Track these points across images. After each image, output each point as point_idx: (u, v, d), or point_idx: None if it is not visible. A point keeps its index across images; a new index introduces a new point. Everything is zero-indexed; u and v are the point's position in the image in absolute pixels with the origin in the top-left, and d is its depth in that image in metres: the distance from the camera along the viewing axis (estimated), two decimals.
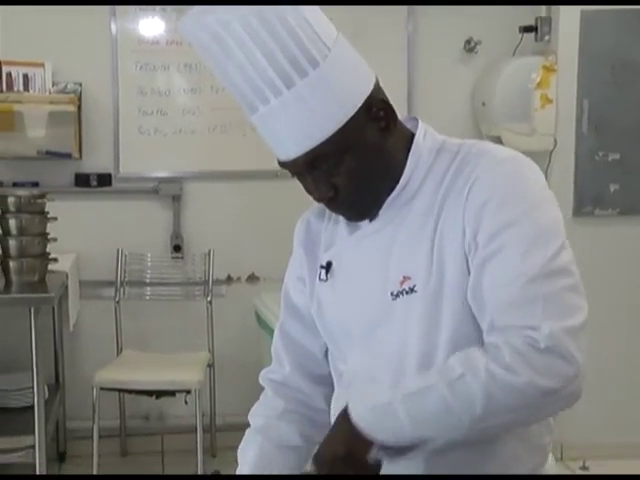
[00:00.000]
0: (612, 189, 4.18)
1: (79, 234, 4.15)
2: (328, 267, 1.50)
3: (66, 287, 3.80)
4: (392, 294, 1.39)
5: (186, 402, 3.92)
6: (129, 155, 4.27)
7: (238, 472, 1.54)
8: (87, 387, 3.83)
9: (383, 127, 1.37)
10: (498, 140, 3.98)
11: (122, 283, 4.25)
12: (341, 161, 1.35)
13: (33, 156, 4.05)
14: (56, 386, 4.11)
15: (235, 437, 1.61)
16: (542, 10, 4.21)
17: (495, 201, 1.32)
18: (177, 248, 4.32)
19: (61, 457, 4.20)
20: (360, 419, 1.27)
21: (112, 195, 4.26)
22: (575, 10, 4.06)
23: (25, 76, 4.06)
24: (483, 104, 4.27)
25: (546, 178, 1.42)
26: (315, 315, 1.54)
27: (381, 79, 1.40)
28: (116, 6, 4.16)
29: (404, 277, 1.38)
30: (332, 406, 1.53)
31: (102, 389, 3.82)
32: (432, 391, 1.25)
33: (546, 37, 4.18)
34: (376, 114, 1.36)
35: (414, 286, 1.37)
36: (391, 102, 1.39)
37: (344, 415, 1.30)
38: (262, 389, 1.64)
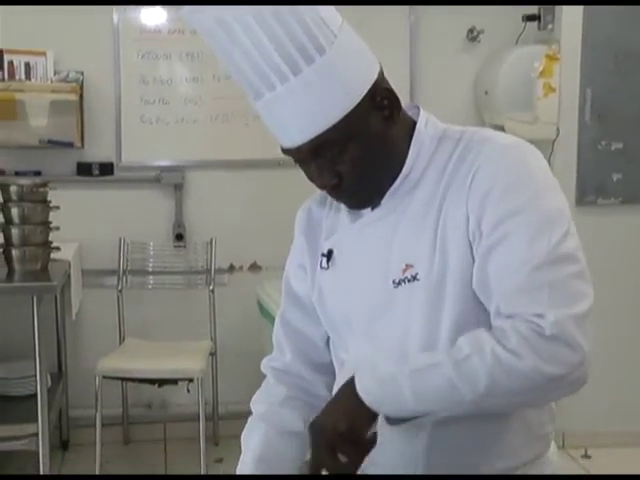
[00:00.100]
0: (615, 178, 4.18)
1: (81, 223, 4.15)
2: (329, 255, 1.50)
3: (68, 276, 3.81)
4: (394, 282, 1.39)
5: (188, 390, 3.93)
6: (131, 144, 4.26)
7: (242, 459, 1.54)
8: (90, 376, 3.84)
9: (387, 116, 1.37)
10: (501, 129, 3.97)
11: (124, 272, 4.26)
12: (345, 149, 1.34)
13: (35, 145, 4.05)
14: (59, 374, 4.13)
15: (238, 425, 1.61)
16: None
17: (499, 189, 1.31)
18: (179, 237, 4.32)
19: (64, 445, 4.22)
20: (366, 392, 1.28)
21: (114, 184, 4.26)
22: None
23: (27, 65, 4.06)
24: (486, 93, 4.27)
25: (549, 166, 1.42)
26: (316, 303, 1.54)
27: (383, 68, 1.40)
28: None
29: (406, 265, 1.38)
30: (333, 393, 1.53)
31: (105, 377, 3.83)
32: (438, 369, 1.26)
33: (549, 26, 4.17)
34: (380, 102, 1.36)
35: (416, 274, 1.37)
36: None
37: (348, 387, 1.30)
38: (264, 377, 1.64)
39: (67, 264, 3.80)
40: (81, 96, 4.10)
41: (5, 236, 3.64)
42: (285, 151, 1.38)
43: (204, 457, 3.81)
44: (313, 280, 1.53)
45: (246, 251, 4.38)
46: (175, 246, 4.33)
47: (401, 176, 1.41)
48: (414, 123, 1.43)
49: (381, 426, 1.31)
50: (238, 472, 1.52)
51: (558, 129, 4.10)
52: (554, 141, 4.07)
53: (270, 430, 1.55)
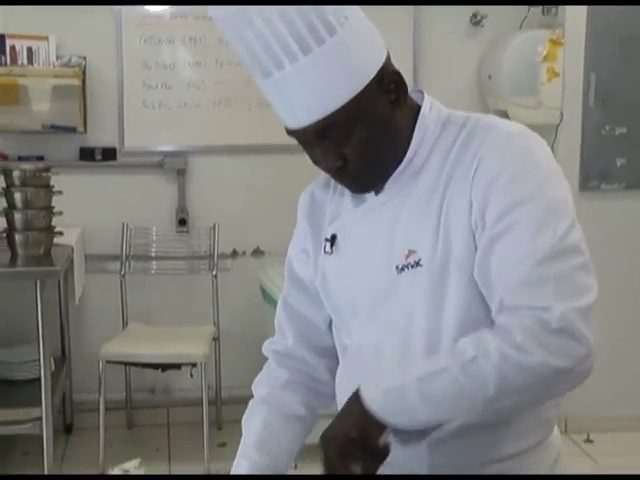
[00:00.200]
0: (618, 163, 4.17)
1: (84, 208, 4.15)
2: (333, 240, 1.49)
3: (72, 261, 3.82)
4: (397, 268, 1.39)
5: (191, 375, 3.94)
6: (134, 129, 4.26)
7: (242, 442, 1.54)
8: (93, 360, 3.85)
9: (393, 99, 1.36)
10: (504, 114, 3.96)
11: (127, 257, 4.26)
12: (351, 131, 1.34)
13: (38, 130, 4.05)
14: (62, 359, 4.14)
15: (241, 410, 1.61)
16: None
17: (504, 178, 1.31)
18: (182, 222, 4.32)
19: (68, 429, 4.23)
20: (373, 403, 1.27)
21: (117, 169, 4.26)
22: None
23: (29, 49, 4.05)
24: (489, 78, 4.25)
25: (552, 152, 1.41)
26: (319, 288, 1.54)
27: None
28: None
29: (409, 251, 1.38)
30: (337, 379, 1.53)
31: (108, 362, 3.84)
32: (445, 374, 1.25)
33: (553, 10, 4.15)
34: (388, 86, 1.35)
35: (419, 260, 1.37)
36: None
37: (356, 398, 1.29)
38: (266, 361, 1.64)
39: (70, 249, 3.80)
40: (83, 81, 4.09)
41: (8, 221, 3.65)
42: (290, 132, 1.38)
43: (207, 441, 3.82)
44: (316, 264, 1.53)
45: (249, 236, 4.38)
46: (178, 231, 4.33)
47: (405, 160, 1.41)
48: (418, 107, 1.43)
49: None
50: (239, 455, 1.52)
51: (562, 114, 4.08)
52: (558, 126, 4.05)
53: (271, 413, 1.55)
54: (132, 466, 1.60)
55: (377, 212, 1.44)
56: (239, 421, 1.58)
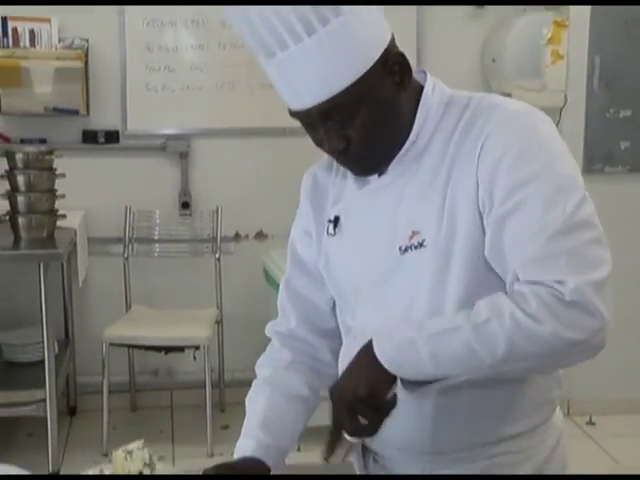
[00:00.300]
0: (622, 146, 4.16)
1: (87, 191, 4.15)
2: (336, 222, 1.49)
3: (75, 243, 3.82)
4: (400, 249, 1.39)
5: (195, 358, 3.95)
6: (136, 112, 4.25)
7: (246, 422, 1.54)
8: (96, 343, 3.86)
9: (398, 81, 1.36)
10: (508, 97, 3.94)
11: (130, 240, 4.26)
12: (355, 113, 1.33)
13: (40, 113, 4.04)
14: (66, 342, 4.15)
15: (244, 392, 1.62)
16: None
17: (510, 157, 1.31)
18: (185, 205, 4.32)
19: (72, 411, 4.25)
20: (385, 357, 1.29)
21: (120, 152, 4.26)
22: None
23: (31, 32, 4.04)
24: (493, 60, 4.24)
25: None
26: (323, 270, 1.54)
27: None
28: None
29: (413, 232, 1.38)
30: (340, 360, 1.54)
31: (111, 345, 3.85)
32: (457, 333, 1.27)
33: None
34: (392, 67, 1.34)
35: (423, 241, 1.37)
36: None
37: (366, 351, 1.31)
38: (269, 342, 1.65)
39: (73, 232, 3.81)
40: (86, 64, 4.08)
41: (11, 203, 3.65)
42: (293, 114, 1.37)
43: (210, 424, 3.84)
44: (319, 246, 1.53)
45: (252, 219, 4.38)
46: (181, 214, 4.33)
47: (408, 142, 1.40)
48: (421, 88, 1.42)
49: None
50: (243, 435, 1.52)
51: (566, 97, 4.07)
52: (562, 109, 4.04)
53: (275, 394, 1.55)
54: (135, 447, 1.60)
55: (380, 194, 1.44)
56: (242, 403, 1.59)
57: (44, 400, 3.49)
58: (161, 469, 1.62)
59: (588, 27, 4.06)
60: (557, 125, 1.42)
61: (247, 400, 1.58)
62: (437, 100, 1.41)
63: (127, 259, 4.23)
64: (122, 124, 4.24)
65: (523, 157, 1.31)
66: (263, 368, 1.60)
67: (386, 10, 1.38)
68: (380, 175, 1.44)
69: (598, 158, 4.15)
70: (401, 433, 1.41)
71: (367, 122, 1.34)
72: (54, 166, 3.70)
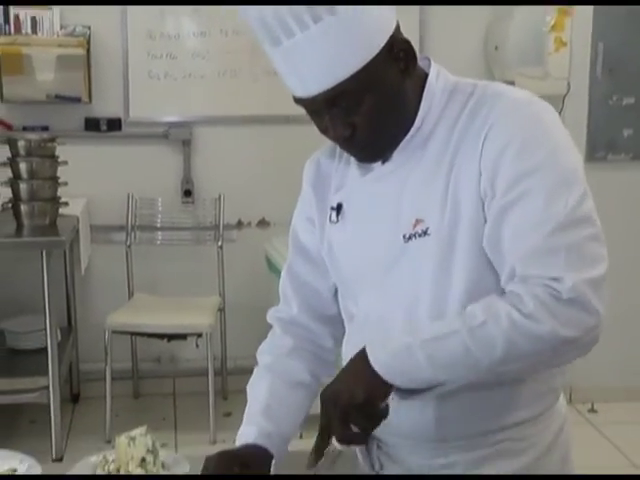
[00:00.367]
0: (625, 134, 4.15)
1: (89, 178, 4.15)
2: (339, 209, 1.49)
3: (77, 231, 3.82)
4: (404, 237, 1.39)
5: (197, 345, 3.96)
6: (139, 99, 4.25)
7: (248, 409, 1.54)
8: (99, 330, 3.87)
9: (403, 68, 1.35)
10: (511, 85, 3.92)
11: (133, 228, 4.26)
12: (361, 100, 1.33)
13: (42, 100, 4.04)
14: (68, 329, 4.16)
15: (246, 380, 1.62)
16: None
17: (514, 147, 1.30)
18: (187, 193, 4.32)
19: (74, 398, 4.26)
20: (380, 364, 1.28)
21: (122, 140, 4.25)
22: None
23: (33, 19, 4.03)
24: (496, 48, 4.22)
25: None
26: (326, 257, 1.53)
27: None
28: None
29: (417, 220, 1.38)
30: (344, 347, 1.54)
31: (114, 332, 3.86)
32: (453, 337, 1.26)
33: None
34: (397, 55, 1.34)
35: (427, 229, 1.37)
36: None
37: (361, 358, 1.30)
38: (270, 329, 1.65)
39: (75, 219, 3.81)
40: (88, 51, 4.08)
41: (13, 191, 3.65)
42: (298, 101, 1.36)
43: (213, 411, 3.85)
44: (322, 233, 1.53)
45: (254, 207, 4.38)
46: (183, 202, 4.33)
47: (412, 129, 1.40)
48: (426, 76, 1.41)
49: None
50: (245, 422, 1.52)
51: (569, 84, 4.06)
52: (565, 96, 4.03)
53: (277, 380, 1.55)
54: (138, 433, 1.61)
55: (384, 181, 1.43)
56: (245, 391, 1.59)
57: (47, 387, 3.51)
58: (164, 455, 1.63)
59: (592, 14, 4.05)
60: (560, 113, 1.42)
61: (248, 387, 1.58)
62: (441, 87, 1.41)
63: (129, 247, 4.23)
64: (124, 112, 4.24)
65: (526, 148, 1.30)
66: (265, 355, 1.60)
67: None
68: (384, 162, 1.44)
69: (601, 146, 4.15)
70: (405, 422, 1.41)
71: (372, 109, 1.34)
72: (56, 154, 3.70)
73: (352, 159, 1.47)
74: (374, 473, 1.53)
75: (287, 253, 1.64)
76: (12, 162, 3.64)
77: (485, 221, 1.33)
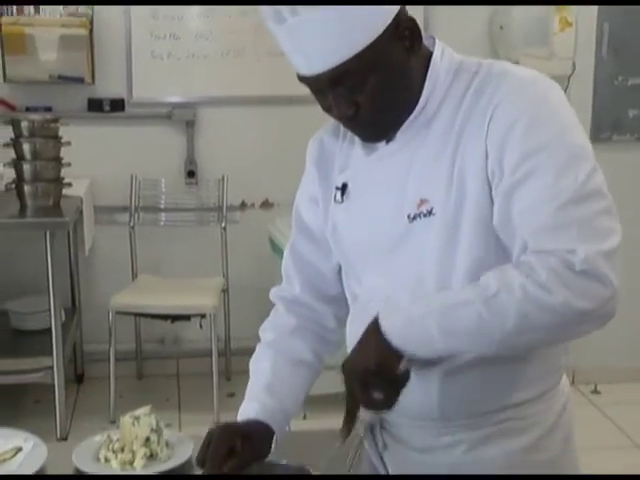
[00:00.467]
0: (631, 114, 4.13)
1: (93, 159, 4.14)
2: (343, 189, 1.48)
3: (81, 212, 3.82)
4: (409, 217, 1.38)
5: (201, 326, 3.97)
6: (142, 80, 4.23)
7: (251, 385, 1.55)
8: (103, 311, 3.88)
9: (408, 47, 1.34)
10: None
11: (136, 209, 4.26)
12: (366, 79, 1.32)
13: (45, 80, 4.03)
14: (72, 310, 4.17)
15: (249, 361, 1.62)
16: None
17: (521, 125, 1.30)
18: (191, 174, 4.31)
19: (79, 379, 4.28)
20: (392, 332, 1.29)
21: (125, 120, 4.24)
22: None
23: None
24: (501, 28, 4.20)
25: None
26: (330, 237, 1.53)
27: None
28: None
29: (422, 200, 1.37)
30: (347, 327, 1.54)
31: (118, 313, 3.87)
32: (467, 307, 1.26)
33: None
34: (402, 33, 1.33)
35: (432, 209, 1.36)
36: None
37: (373, 328, 1.31)
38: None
39: (79, 200, 3.81)
40: (91, 31, 4.06)
41: (17, 172, 3.65)
42: (302, 79, 1.35)
43: (216, 392, 3.86)
44: (326, 213, 1.52)
45: (258, 188, 4.37)
46: (187, 183, 4.32)
47: (417, 109, 1.39)
48: (430, 54, 1.41)
49: None
50: (248, 398, 1.53)
51: (574, 64, 4.04)
52: (570, 76, 4.01)
53: (279, 358, 1.56)
54: (143, 413, 1.61)
55: (388, 161, 1.43)
56: (248, 372, 1.59)
57: (51, 367, 3.52)
58: (168, 435, 1.64)
59: None
60: (565, 93, 1.41)
61: (251, 364, 1.58)
62: (446, 66, 1.40)
63: (133, 228, 4.23)
64: (127, 92, 4.22)
65: (534, 126, 1.30)
66: (267, 332, 1.61)
67: None
68: (388, 142, 1.43)
69: (606, 126, 4.13)
70: (408, 402, 1.41)
71: (377, 88, 1.33)
72: (59, 134, 3.69)
73: (357, 138, 1.46)
74: (378, 453, 1.54)
75: (290, 234, 1.63)
76: (15, 143, 3.63)
77: (492, 201, 1.32)
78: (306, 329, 1.59)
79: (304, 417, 2.99)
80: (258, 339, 1.63)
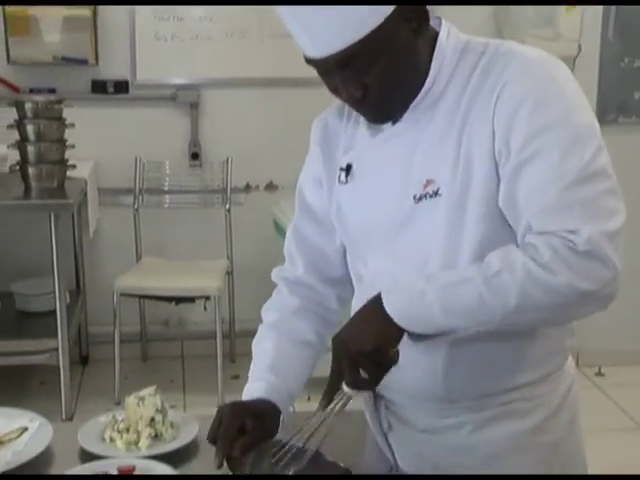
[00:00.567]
0: (637, 96, 4.11)
1: (97, 141, 4.14)
2: (348, 169, 1.48)
3: (85, 194, 3.82)
4: (415, 197, 1.38)
5: (205, 308, 3.98)
6: (146, 62, 4.22)
7: (254, 365, 1.55)
8: (107, 293, 3.89)
9: (415, 28, 1.33)
10: None
11: (141, 191, 4.26)
12: (374, 61, 1.31)
13: (49, 61, 4.02)
14: (77, 292, 4.18)
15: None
16: None
17: (528, 105, 1.29)
18: (195, 156, 4.31)
19: (83, 361, 4.30)
20: (394, 309, 1.28)
21: (129, 102, 4.23)
22: None
23: None
24: (506, 9, 4.17)
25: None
26: (334, 218, 1.53)
27: None
28: None
29: (427, 180, 1.37)
30: (352, 308, 1.53)
31: (122, 295, 3.88)
32: (468, 285, 1.26)
33: None
34: (409, 14, 1.32)
35: (438, 189, 1.36)
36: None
37: (374, 304, 1.30)
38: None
39: (83, 182, 3.81)
40: (94, 12, 4.04)
41: (21, 153, 3.65)
42: (309, 61, 1.35)
43: (221, 374, 3.88)
44: (331, 194, 1.52)
45: (262, 170, 4.37)
46: (191, 165, 4.32)
47: (424, 89, 1.38)
48: (436, 34, 1.40)
49: (401, 344, 1.31)
50: (252, 379, 1.53)
51: (580, 46, 4.02)
52: (575, 58, 3.99)
53: (282, 338, 1.55)
54: (147, 393, 1.62)
55: (394, 142, 1.42)
56: (252, 354, 1.59)
57: (56, 349, 3.53)
58: (173, 415, 1.65)
59: None
60: None
61: (254, 344, 1.58)
62: (452, 46, 1.39)
63: (137, 210, 4.23)
64: (131, 74, 4.21)
65: (540, 106, 1.29)
66: (270, 312, 1.61)
67: None
68: (394, 123, 1.42)
69: (612, 108, 4.11)
70: (413, 382, 1.41)
71: (385, 70, 1.32)
72: (63, 116, 3.68)
73: (362, 119, 1.45)
74: (383, 434, 1.54)
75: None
76: (19, 124, 3.63)
77: (498, 181, 1.32)
78: (309, 310, 1.59)
79: (308, 399, 2.99)
80: (261, 320, 1.63)
